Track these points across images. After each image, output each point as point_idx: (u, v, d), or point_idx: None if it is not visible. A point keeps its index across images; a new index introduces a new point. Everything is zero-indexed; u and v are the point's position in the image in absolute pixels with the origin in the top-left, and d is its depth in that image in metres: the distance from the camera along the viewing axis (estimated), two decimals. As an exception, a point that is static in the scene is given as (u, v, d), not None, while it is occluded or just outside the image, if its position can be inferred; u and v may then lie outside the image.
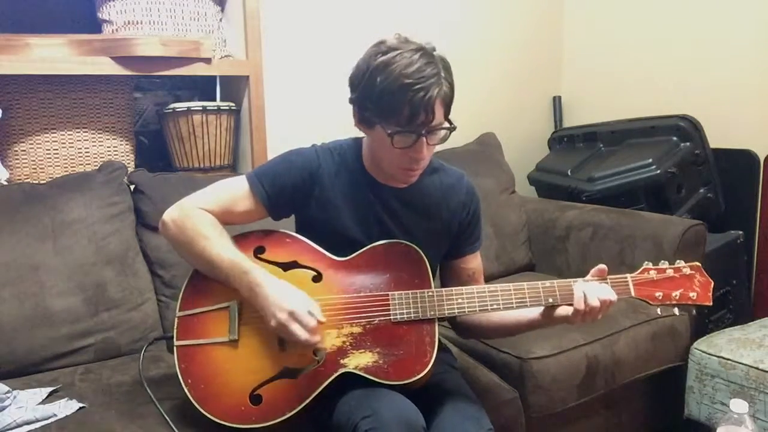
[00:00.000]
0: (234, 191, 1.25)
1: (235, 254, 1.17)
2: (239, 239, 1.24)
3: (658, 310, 1.19)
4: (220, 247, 1.17)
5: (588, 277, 1.18)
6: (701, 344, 1.69)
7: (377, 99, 1.09)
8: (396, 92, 1.07)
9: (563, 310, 1.17)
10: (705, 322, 2.00)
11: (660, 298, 1.17)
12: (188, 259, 1.23)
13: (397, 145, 1.11)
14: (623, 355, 1.62)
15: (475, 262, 1.36)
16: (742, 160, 2.15)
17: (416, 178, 1.23)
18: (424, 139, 1.12)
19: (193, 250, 1.19)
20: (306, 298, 1.13)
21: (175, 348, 1.18)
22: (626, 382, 1.65)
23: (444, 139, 1.16)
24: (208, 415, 1.12)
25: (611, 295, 1.14)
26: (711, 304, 1.17)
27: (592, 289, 1.13)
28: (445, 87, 1.10)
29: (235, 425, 1.11)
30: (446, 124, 1.14)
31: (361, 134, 1.29)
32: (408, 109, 1.08)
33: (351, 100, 1.17)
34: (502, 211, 2.16)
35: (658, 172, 2.04)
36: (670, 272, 1.19)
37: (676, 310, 1.20)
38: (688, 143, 2.10)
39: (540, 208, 2.24)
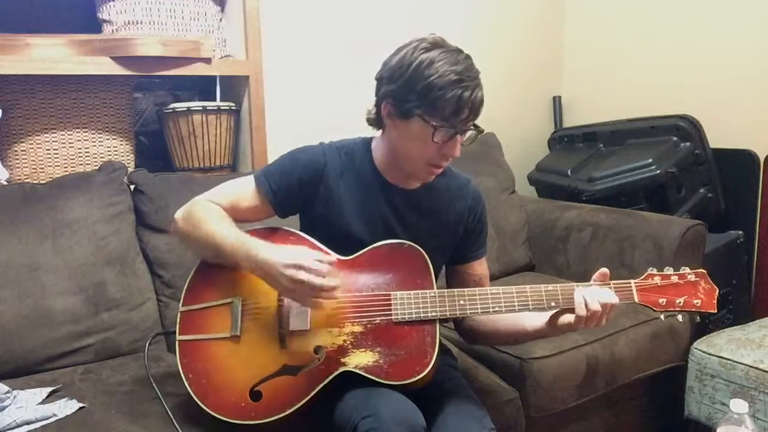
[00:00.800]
0: (241, 189, 1.27)
1: (238, 233, 1.18)
2: None
3: (662, 317, 1.18)
4: (224, 229, 1.18)
5: (590, 282, 1.18)
6: (701, 344, 1.69)
7: (423, 92, 1.11)
8: (446, 87, 1.10)
9: (566, 318, 1.17)
10: (705, 322, 2.00)
11: (663, 304, 1.16)
12: (196, 249, 1.24)
13: (436, 139, 1.14)
14: (623, 355, 1.62)
15: (481, 268, 1.37)
16: (742, 160, 2.14)
17: (434, 177, 1.24)
18: (459, 136, 1.16)
19: (199, 235, 1.20)
20: (308, 249, 1.13)
21: (177, 342, 1.19)
22: (626, 382, 1.65)
23: (471, 140, 1.20)
24: (208, 410, 1.12)
25: (612, 299, 1.13)
26: (716, 311, 1.16)
27: (592, 294, 1.13)
28: (482, 90, 1.15)
29: (234, 421, 1.11)
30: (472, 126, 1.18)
31: (368, 134, 1.30)
32: (454, 105, 1.11)
33: (385, 93, 1.18)
34: (502, 211, 2.16)
35: (658, 172, 2.04)
36: (674, 279, 1.18)
37: (680, 317, 1.18)
38: (688, 143, 2.10)
39: (540, 208, 2.24)
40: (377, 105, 1.22)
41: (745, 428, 1.09)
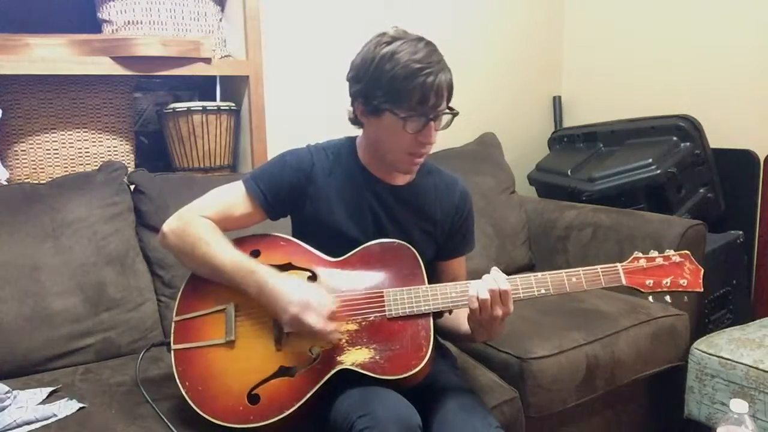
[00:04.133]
0: (231, 196, 1.26)
1: (237, 256, 1.18)
2: (235, 243, 1.25)
3: (650, 298, 1.19)
4: (222, 251, 1.18)
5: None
6: (701, 344, 1.69)
7: (387, 85, 1.13)
8: (407, 77, 1.11)
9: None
10: (705, 322, 2.00)
11: (651, 285, 1.17)
12: (191, 266, 1.24)
13: (409, 130, 1.15)
14: (623, 355, 1.61)
15: (459, 269, 1.38)
16: (742, 160, 2.14)
17: (417, 168, 1.25)
18: (433, 123, 1.16)
19: (195, 256, 1.20)
20: (316, 288, 1.16)
21: (172, 352, 1.19)
22: (626, 382, 1.64)
23: (448, 125, 1.20)
24: (207, 417, 1.12)
25: (502, 285, 1.12)
26: (702, 289, 1.18)
27: (482, 284, 1.13)
28: (449, 73, 1.15)
29: (233, 425, 1.11)
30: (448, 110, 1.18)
31: (353, 134, 1.31)
32: (419, 94, 1.12)
33: (355, 93, 1.19)
34: (502, 211, 2.16)
35: (658, 172, 2.04)
36: (659, 260, 1.19)
37: (668, 298, 1.20)
38: (688, 143, 2.10)
39: (540, 208, 2.24)
40: (352, 105, 1.23)
41: (745, 428, 1.09)
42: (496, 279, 1.13)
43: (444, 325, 1.32)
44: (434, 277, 1.35)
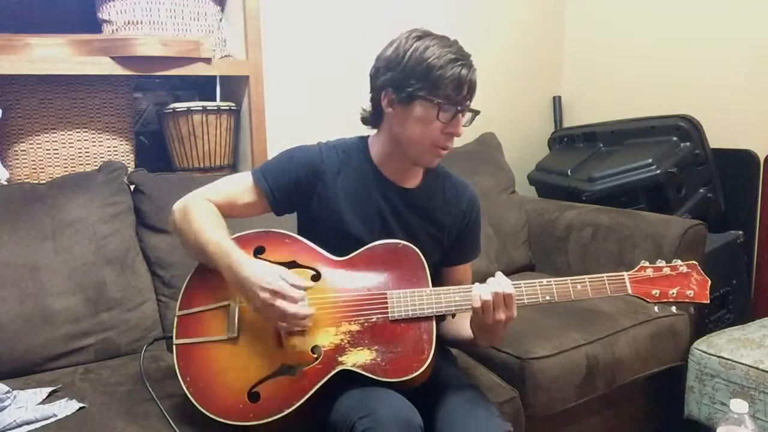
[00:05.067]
0: (239, 185, 1.28)
1: (222, 238, 1.18)
2: (239, 239, 1.25)
3: (656, 308, 1.19)
4: (211, 231, 1.18)
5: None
6: (701, 344, 1.69)
7: (424, 73, 1.15)
8: (445, 65, 1.15)
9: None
10: (705, 322, 2.00)
11: (657, 295, 1.17)
12: (187, 246, 1.24)
13: (442, 118, 1.17)
14: (623, 355, 1.62)
15: (464, 274, 1.38)
16: (742, 160, 2.14)
17: (438, 161, 1.26)
18: (461, 115, 1.19)
19: (190, 235, 1.20)
20: (286, 272, 1.13)
21: (174, 346, 1.19)
22: (626, 382, 1.65)
23: (469, 122, 1.23)
24: (207, 413, 1.12)
25: (506, 288, 1.13)
26: (708, 301, 1.17)
27: (486, 286, 1.14)
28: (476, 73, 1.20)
29: (233, 422, 1.11)
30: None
31: (364, 133, 1.30)
32: (454, 82, 1.16)
33: (383, 83, 1.20)
34: (502, 211, 2.16)
35: (658, 172, 2.04)
36: (666, 270, 1.19)
37: (673, 308, 1.20)
38: (688, 143, 2.10)
39: (540, 208, 2.24)
40: (375, 97, 1.24)
41: (745, 428, 1.09)
42: (500, 283, 1.14)
43: (447, 331, 1.32)
44: (439, 284, 1.34)
